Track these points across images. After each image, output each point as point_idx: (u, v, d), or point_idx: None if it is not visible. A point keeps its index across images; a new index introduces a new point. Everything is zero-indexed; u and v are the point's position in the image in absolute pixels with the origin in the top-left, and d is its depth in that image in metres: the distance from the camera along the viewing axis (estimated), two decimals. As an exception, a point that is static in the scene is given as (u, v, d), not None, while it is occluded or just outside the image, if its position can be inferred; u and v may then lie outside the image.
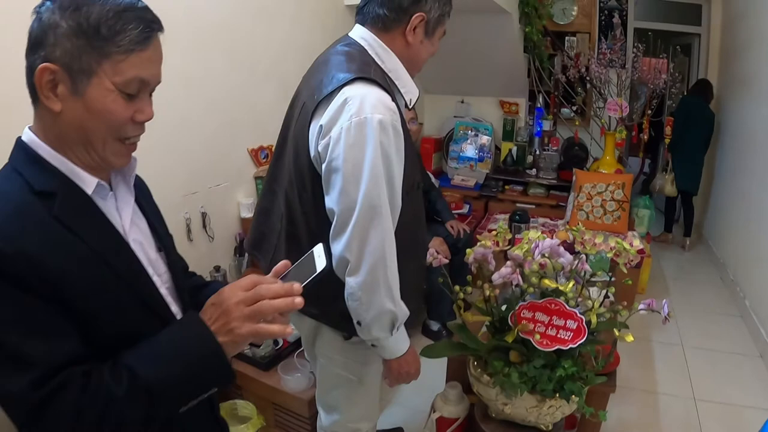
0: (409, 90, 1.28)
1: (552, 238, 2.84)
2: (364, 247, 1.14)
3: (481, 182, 4.38)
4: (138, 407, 0.73)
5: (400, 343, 1.29)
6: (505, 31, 3.77)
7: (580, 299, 1.48)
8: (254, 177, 2.71)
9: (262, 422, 2.05)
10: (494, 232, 1.60)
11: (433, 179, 4.12)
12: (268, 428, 2.13)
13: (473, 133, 4.45)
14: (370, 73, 1.16)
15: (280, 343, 2.30)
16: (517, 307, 1.46)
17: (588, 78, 3.89)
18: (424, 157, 4.34)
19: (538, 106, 4.51)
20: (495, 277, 1.48)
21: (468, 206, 4.14)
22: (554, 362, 1.38)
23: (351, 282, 1.17)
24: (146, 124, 0.83)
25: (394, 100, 1.18)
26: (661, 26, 4.90)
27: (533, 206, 4.12)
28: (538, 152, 4.34)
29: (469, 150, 4.40)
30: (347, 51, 1.24)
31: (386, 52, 1.24)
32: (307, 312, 1.36)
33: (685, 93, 4.42)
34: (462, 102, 4.72)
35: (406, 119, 1.26)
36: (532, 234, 1.57)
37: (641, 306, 1.50)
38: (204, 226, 2.39)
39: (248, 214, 2.65)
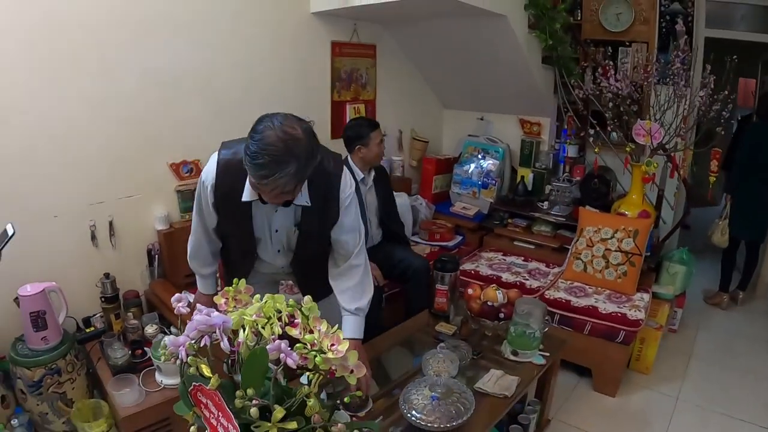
0: None
1: (479, 298, 2.29)
2: None
3: (485, 212, 3.80)
4: None
5: (199, 285, 1.95)
6: (504, 37, 3.20)
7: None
8: (175, 190, 2.71)
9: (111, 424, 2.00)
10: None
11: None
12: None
13: (481, 155, 3.87)
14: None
15: (147, 354, 2.15)
16: (191, 387, 1.07)
17: (610, 96, 3.17)
18: (425, 178, 3.94)
19: (566, 127, 3.80)
20: (167, 340, 1.07)
21: (461, 238, 3.60)
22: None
23: None
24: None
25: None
26: (737, 35, 3.94)
27: (533, 247, 3.46)
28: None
29: (475, 175, 3.83)
30: None
31: None
32: None
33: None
34: (481, 119, 4.16)
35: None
36: (254, 308, 1.15)
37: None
38: (111, 235, 2.48)
39: (163, 226, 2.65)
